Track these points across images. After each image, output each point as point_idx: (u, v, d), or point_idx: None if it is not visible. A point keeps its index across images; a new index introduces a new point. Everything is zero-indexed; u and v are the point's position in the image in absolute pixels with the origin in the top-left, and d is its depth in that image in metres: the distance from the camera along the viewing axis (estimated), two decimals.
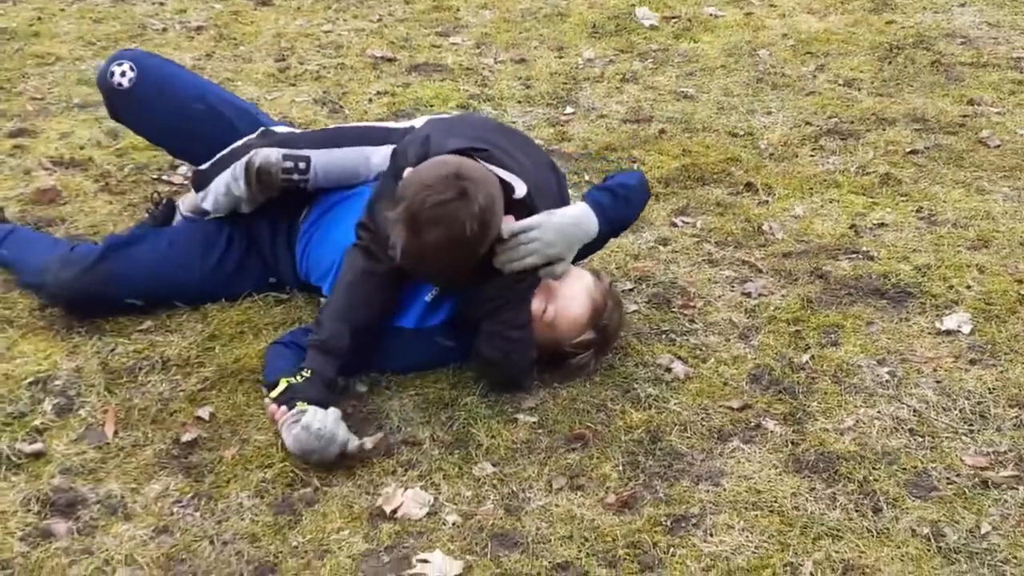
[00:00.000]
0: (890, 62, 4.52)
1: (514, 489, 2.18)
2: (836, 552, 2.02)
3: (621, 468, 2.25)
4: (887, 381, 2.52)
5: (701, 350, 2.64)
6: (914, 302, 2.83)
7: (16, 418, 2.33)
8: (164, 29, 4.78)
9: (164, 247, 2.71)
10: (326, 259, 2.63)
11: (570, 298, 2.44)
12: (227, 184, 2.67)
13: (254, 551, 2.02)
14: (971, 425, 2.38)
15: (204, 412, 2.37)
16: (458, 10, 5.16)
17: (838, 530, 2.08)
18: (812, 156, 3.71)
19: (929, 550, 2.03)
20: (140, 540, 2.03)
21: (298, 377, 2.28)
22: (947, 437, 2.34)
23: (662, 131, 3.88)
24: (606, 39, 4.83)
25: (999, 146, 3.74)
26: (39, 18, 4.80)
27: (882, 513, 2.12)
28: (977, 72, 4.39)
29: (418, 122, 2.69)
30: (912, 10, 5.14)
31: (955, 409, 2.42)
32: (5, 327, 2.63)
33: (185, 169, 3.33)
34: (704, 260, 3.05)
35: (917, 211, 3.31)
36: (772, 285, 2.92)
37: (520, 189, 2.37)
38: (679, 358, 2.60)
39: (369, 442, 2.23)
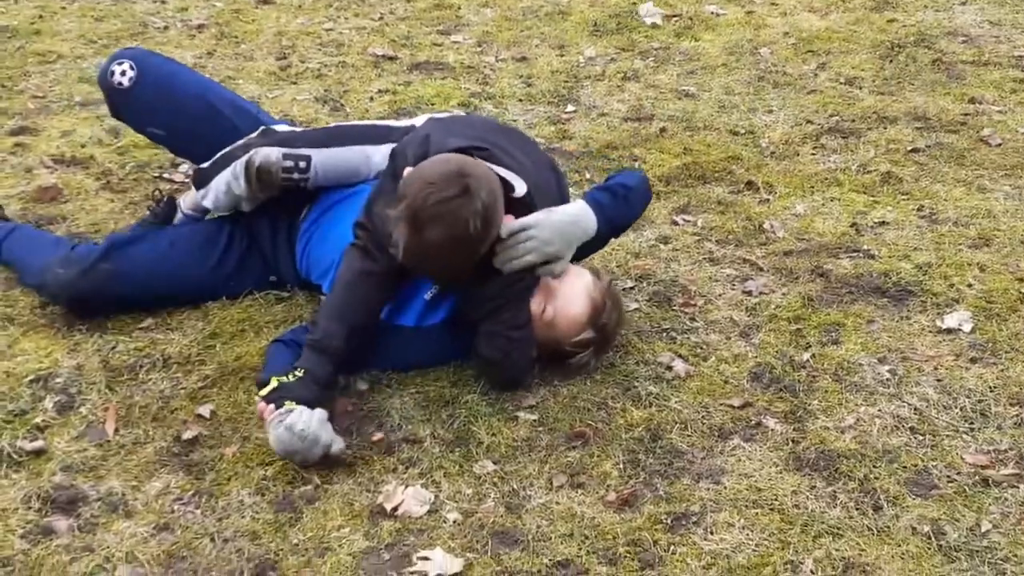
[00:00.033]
0: (891, 60, 4.52)
1: (515, 487, 2.18)
2: (836, 550, 2.02)
3: (622, 466, 2.25)
4: (888, 379, 2.52)
5: (702, 348, 2.64)
6: (915, 300, 2.83)
7: (17, 416, 2.33)
8: (165, 27, 4.78)
9: (165, 246, 2.71)
10: (326, 257, 2.63)
11: (569, 297, 2.44)
12: (228, 183, 2.68)
13: (255, 548, 2.02)
14: (972, 423, 2.38)
15: (205, 410, 2.37)
16: (459, 8, 5.16)
17: (838, 528, 2.08)
18: (813, 154, 3.71)
19: (929, 548, 2.03)
20: (141, 537, 2.03)
21: (289, 376, 2.27)
22: (948, 435, 2.34)
23: (663, 129, 3.87)
24: (607, 37, 4.83)
25: (1000, 145, 3.74)
26: (40, 16, 4.80)
27: (883, 511, 2.12)
28: (978, 71, 4.38)
29: (419, 121, 2.69)
30: (913, 8, 5.14)
31: (956, 407, 2.42)
32: (6, 325, 2.63)
33: (186, 167, 3.34)
34: (705, 258, 3.05)
35: (918, 209, 3.31)
36: (773, 283, 2.92)
37: (520, 188, 2.37)
38: (680, 356, 2.60)
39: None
